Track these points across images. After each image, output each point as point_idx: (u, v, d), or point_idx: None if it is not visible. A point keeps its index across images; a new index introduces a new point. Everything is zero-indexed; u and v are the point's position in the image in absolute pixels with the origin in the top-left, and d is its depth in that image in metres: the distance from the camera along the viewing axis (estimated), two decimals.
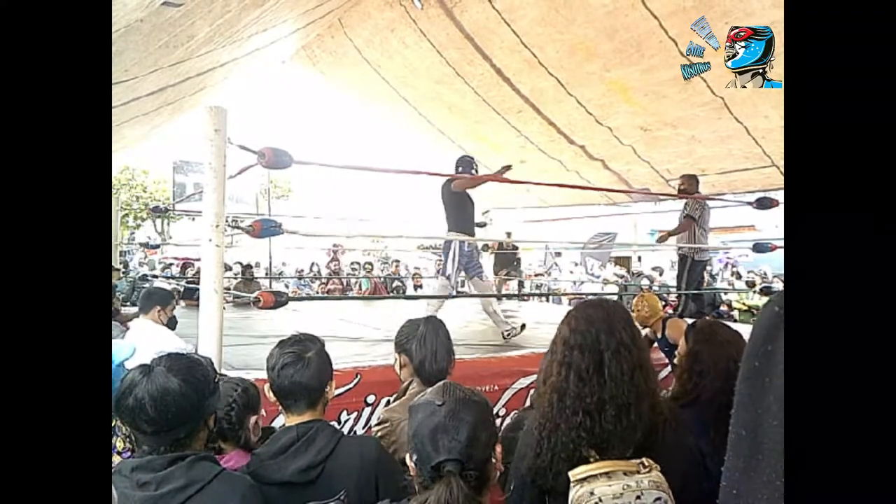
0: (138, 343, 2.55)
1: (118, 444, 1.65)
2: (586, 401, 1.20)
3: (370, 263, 10.80)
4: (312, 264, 11.67)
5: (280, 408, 1.42)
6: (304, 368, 1.36)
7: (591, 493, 1.11)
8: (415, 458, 1.01)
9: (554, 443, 1.21)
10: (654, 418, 1.25)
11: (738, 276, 10.60)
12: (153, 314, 3.02)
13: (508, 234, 7.88)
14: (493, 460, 1.01)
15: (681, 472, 1.27)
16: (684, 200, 4.73)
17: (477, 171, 4.15)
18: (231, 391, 1.48)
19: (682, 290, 4.70)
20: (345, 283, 9.62)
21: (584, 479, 1.15)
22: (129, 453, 1.59)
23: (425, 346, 1.72)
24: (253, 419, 1.52)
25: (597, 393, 1.21)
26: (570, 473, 1.16)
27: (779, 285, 7.80)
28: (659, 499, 1.11)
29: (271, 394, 1.40)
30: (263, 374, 1.46)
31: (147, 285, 5.06)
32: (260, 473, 1.28)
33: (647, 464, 1.15)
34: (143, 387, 1.13)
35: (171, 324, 3.19)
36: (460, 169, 4.05)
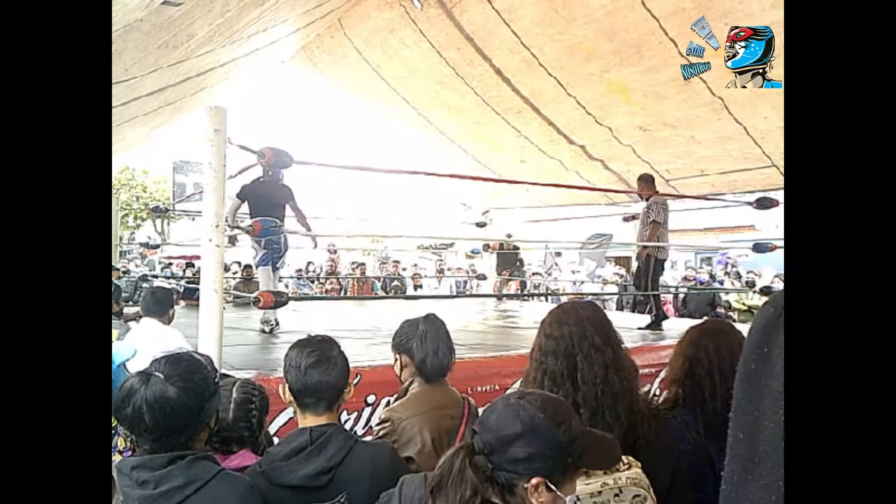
0: (147, 344, 2.55)
1: (119, 442, 1.65)
2: None
3: (363, 264, 10.80)
4: (308, 263, 11.65)
5: (278, 411, 1.41)
6: (331, 368, 1.35)
7: None
8: None
9: None
10: (631, 417, 1.27)
11: (738, 277, 10.59)
12: (167, 317, 3.04)
13: (509, 235, 7.88)
14: (526, 486, 0.91)
15: (669, 470, 1.28)
16: (646, 204, 4.87)
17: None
18: (250, 395, 1.47)
19: (647, 289, 4.88)
20: (342, 284, 9.61)
21: None
22: (130, 452, 1.59)
23: (426, 343, 1.72)
24: (267, 422, 1.52)
25: (570, 396, 1.25)
26: None
27: (779, 285, 7.80)
28: (638, 495, 1.11)
29: (288, 394, 1.39)
30: (263, 375, 1.45)
31: (147, 285, 5.04)
32: (270, 474, 1.27)
33: (626, 461, 1.16)
34: (141, 395, 1.11)
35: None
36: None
